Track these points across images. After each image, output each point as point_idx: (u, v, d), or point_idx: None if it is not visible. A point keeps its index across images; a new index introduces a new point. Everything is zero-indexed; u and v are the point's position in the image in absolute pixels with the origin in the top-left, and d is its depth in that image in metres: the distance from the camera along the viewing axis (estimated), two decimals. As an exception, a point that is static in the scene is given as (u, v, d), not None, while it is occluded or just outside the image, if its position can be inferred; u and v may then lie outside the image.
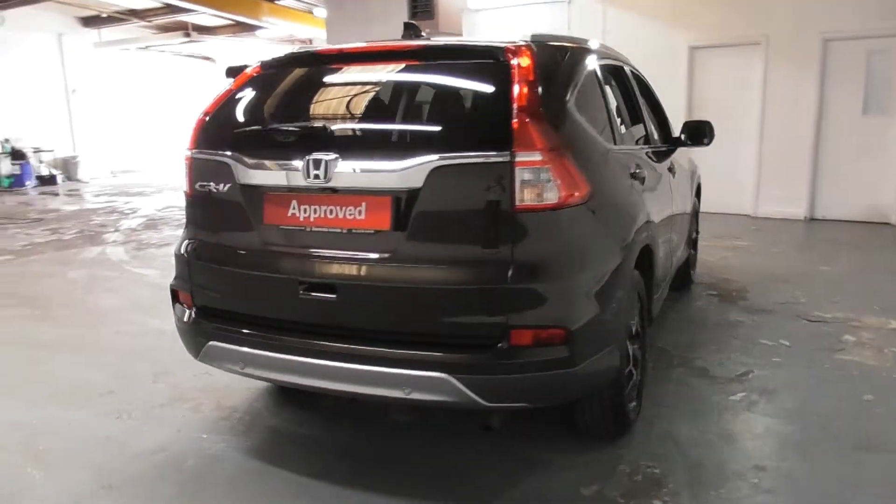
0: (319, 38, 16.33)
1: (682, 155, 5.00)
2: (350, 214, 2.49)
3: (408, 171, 2.37)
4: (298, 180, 2.50)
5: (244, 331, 2.66)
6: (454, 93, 2.61)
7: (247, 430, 3.21)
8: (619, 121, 3.20)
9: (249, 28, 17.36)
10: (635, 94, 3.81)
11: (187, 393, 3.60)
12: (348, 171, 2.45)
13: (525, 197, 2.31)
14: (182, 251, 2.89)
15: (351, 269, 2.49)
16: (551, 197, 2.34)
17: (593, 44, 3.43)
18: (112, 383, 3.77)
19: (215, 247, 2.81)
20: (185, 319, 2.86)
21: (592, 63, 3.08)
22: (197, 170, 2.80)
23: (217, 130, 2.79)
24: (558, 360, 2.37)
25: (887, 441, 3.00)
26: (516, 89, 2.40)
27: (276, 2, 15.70)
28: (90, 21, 17.99)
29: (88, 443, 3.10)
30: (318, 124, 2.70)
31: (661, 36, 9.60)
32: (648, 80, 4.54)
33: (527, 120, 2.33)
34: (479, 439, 3.08)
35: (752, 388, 3.56)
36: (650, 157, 3.70)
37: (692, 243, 5.38)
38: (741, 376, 3.72)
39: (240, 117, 2.83)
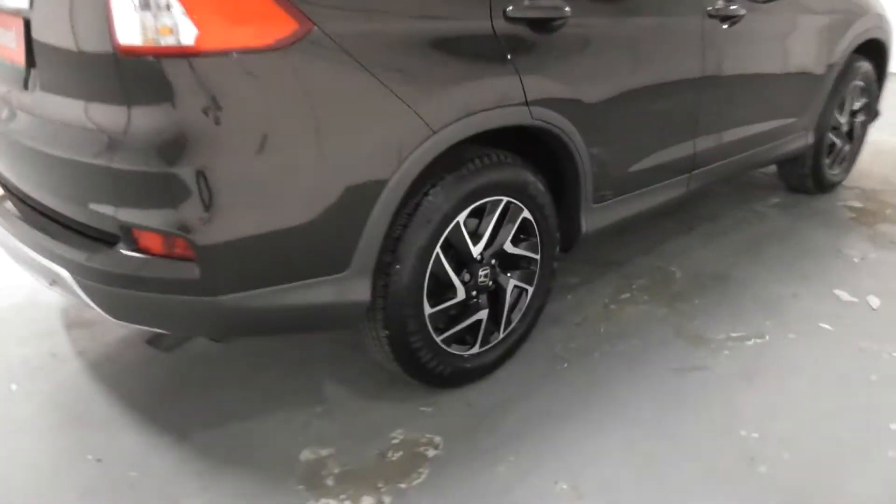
0: None
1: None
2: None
3: None
4: None
5: None
6: None
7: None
8: None
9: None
10: None
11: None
12: None
13: (134, 33, 1.49)
14: None
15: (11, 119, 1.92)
16: (185, 37, 1.49)
17: None
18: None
19: None
20: None
21: None
22: None
23: None
24: (183, 283, 1.63)
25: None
26: None
27: None
28: None
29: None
30: None
31: None
32: None
33: None
34: (325, 367, 2.45)
35: (719, 363, 2.38)
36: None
37: (831, 127, 3.69)
38: (730, 341, 2.52)
39: None
